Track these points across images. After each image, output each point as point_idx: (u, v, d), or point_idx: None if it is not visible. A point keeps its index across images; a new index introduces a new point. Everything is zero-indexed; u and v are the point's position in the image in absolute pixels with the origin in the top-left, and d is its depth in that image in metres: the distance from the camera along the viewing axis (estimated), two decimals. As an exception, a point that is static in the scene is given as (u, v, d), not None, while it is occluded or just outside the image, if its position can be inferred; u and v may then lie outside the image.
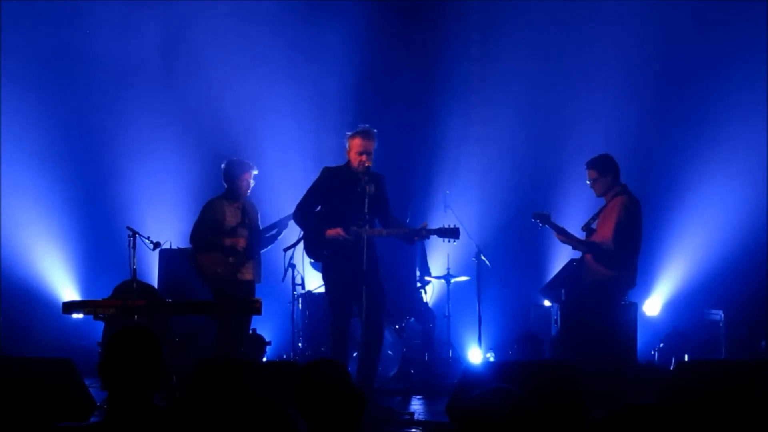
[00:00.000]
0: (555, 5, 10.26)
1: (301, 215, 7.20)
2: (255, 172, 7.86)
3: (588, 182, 7.77)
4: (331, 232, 6.95)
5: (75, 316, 7.40)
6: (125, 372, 3.00)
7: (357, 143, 7.00)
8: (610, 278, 7.62)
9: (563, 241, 7.81)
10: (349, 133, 7.10)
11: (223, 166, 7.94)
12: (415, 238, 7.18)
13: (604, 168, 7.69)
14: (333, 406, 3.06)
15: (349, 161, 7.09)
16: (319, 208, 7.19)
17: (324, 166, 7.25)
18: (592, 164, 7.74)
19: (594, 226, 7.79)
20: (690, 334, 9.08)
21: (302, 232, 7.47)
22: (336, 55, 10.31)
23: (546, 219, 7.79)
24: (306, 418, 3.05)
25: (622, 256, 7.59)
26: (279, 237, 8.20)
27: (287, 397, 3.08)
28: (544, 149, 10.25)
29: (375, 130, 7.09)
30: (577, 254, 8.08)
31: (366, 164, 6.95)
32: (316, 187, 7.18)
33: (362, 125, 7.14)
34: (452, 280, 9.23)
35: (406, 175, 10.06)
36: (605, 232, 7.59)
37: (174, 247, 9.10)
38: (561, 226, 7.79)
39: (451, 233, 7.00)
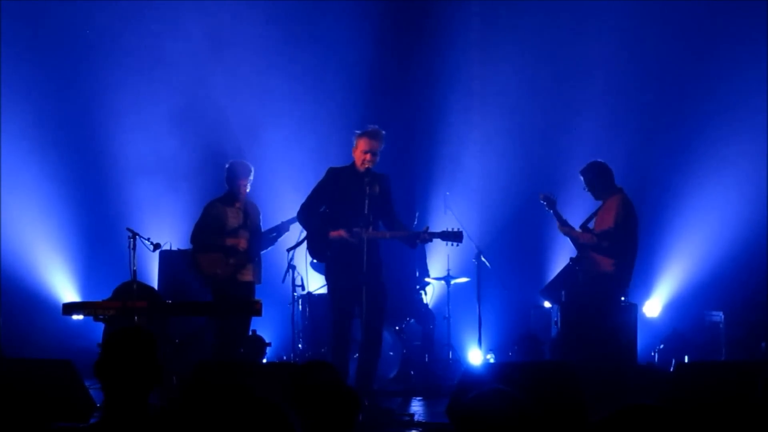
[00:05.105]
0: (554, 8, 10.26)
1: (305, 215, 7.20)
2: (251, 177, 7.90)
3: (584, 188, 7.92)
4: (335, 234, 6.95)
5: (75, 317, 7.40)
6: (120, 371, 3.00)
7: (363, 142, 7.00)
8: (608, 272, 7.64)
9: (565, 233, 7.90)
10: (358, 132, 7.09)
11: (226, 166, 7.98)
12: (418, 242, 7.17)
13: (595, 174, 7.85)
14: (327, 407, 3.06)
15: (354, 161, 7.09)
16: (323, 208, 7.19)
17: (329, 167, 7.26)
18: (584, 172, 7.92)
19: (591, 225, 7.85)
20: (690, 335, 9.08)
21: (305, 233, 7.47)
22: (337, 56, 10.31)
23: (552, 204, 7.89)
24: (301, 420, 3.05)
25: (623, 247, 7.64)
26: (279, 239, 8.23)
27: (287, 399, 3.08)
28: (544, 151, 10.25)
29: (383, 132, 7.08)
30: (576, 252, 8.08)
31: (367, 165, 6.96)
32: (320, 187, 7.18)
33: (372, 125, 7.13)
34: (452, 282, 9.23)
35: (407, 177, 10.06)
36: (606, 225, 7.66)
37: (174, 248, 9.10)
38: (564, 218, 7.89)
39: (454, 237, 6.98)
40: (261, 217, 8.15)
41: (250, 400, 2.11)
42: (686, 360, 8.66)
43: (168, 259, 9.06)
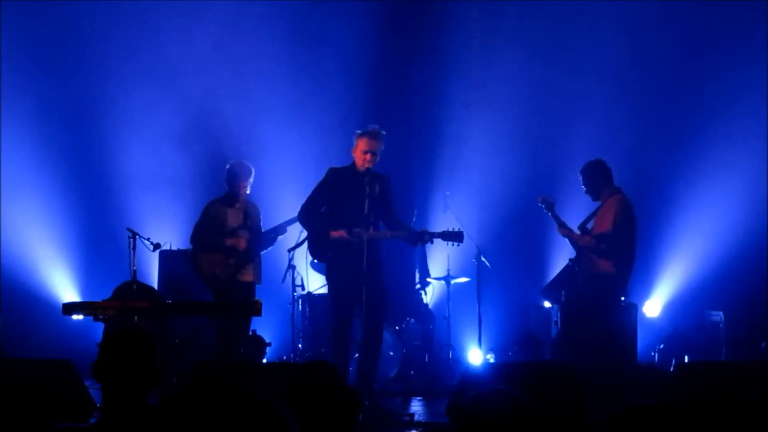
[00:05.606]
0: (555, 9, 10.26)
1: (306, 216, 7.19)
2: (251, 179, 7.90)
3: (583, 188, 7.90)
4: (335, 234, 6.95)
5: (75, 317, 7.39)
6: (117, 372, 3.00)
7: (363, 143, 6.99)
8: (608, 273, 7.63)
9: (564, 235, 7.88)
10: (358, 132, 7.08)
11: (227, 167, 7.98)
12: (419, 243, 7.17)
13: (593, 173, 7.84)
14: (327, 407, 3.06)
15: (354, 161, 7.09)
16: (324, 208, 7.18)
17: (329, 167, 7.25)
18: (582, 171, 7.91)
19: (589, 226, 7.84)
20: (690, 335, 9.08)
21: (306, 233, 7.46)
22: (338, 56, 10.31)
23: (551, 207, 7.88)
24: (300, 420, 3.05)
25: (621, 249, 7.63)
26: (279, 239, 8.23)
27: (286, 399, 3.08)
28: (544, 151, 10.26)
29: (384, 132, 7.07)
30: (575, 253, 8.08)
31: (367, 165, 6.95)
32: (320, 187, 7.17)
33: (372, 125, 7.12)
34: (452, 281, 9.23)
35: (407, 177, 10.06)
36: (604, 227, 7.64)
37: (174, 248, 9.10)
38: (563, 220, 7.88)
39: (454, 237, 6.98)
40: (261, 217, 8.15)
41: (245, 400, 2.11)
42: (686, 360, 8.66)
43: (168, 258, 9.06)
